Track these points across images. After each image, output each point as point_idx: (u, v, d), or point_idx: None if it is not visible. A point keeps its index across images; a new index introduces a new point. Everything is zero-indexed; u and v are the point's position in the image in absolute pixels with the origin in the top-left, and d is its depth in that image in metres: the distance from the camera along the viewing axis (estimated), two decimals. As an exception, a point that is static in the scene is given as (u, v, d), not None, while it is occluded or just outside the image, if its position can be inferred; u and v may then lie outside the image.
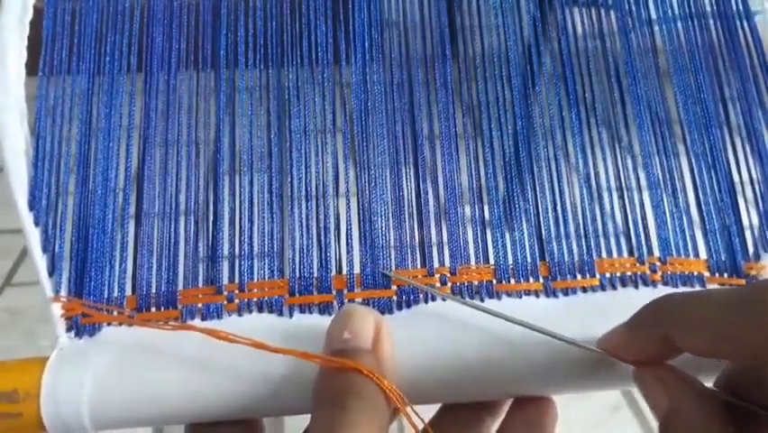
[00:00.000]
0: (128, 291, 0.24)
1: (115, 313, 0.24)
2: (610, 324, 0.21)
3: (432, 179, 0.26)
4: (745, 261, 0.27)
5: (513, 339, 0.22)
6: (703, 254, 0.27)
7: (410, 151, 0.26)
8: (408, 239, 0.25)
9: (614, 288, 0.26)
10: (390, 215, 0.26)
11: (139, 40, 0.26)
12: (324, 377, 0.20)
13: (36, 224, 0.24)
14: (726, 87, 0.28)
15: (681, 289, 0.26)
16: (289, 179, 0.26)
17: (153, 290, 0.24)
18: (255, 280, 0.25)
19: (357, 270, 0.25)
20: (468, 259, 0.25)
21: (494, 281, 0.25)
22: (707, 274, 0.27)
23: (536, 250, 0.26)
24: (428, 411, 0.22)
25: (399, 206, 0.26)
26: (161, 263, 0.25)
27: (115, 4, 0.27)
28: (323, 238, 0.25)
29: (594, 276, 0.26)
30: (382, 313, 0.24)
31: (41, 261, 0.24)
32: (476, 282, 0.25)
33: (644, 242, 0.27)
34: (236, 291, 0.25)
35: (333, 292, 0.25)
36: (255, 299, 0.24)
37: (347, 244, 0.25)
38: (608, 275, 0.26)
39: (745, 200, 0.27)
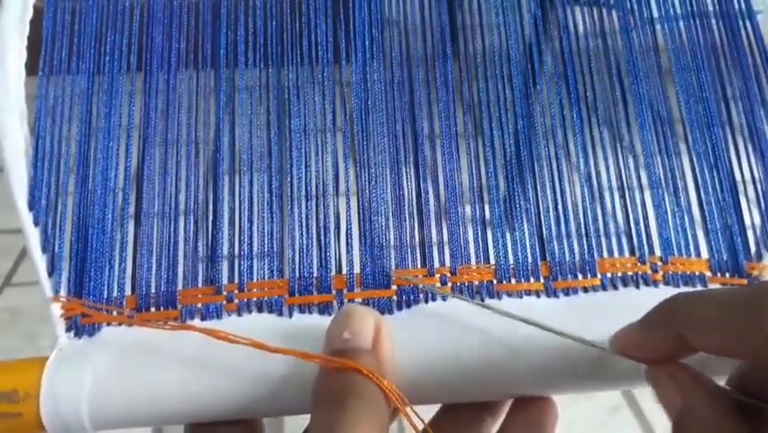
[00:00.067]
0: (127, 291, 0.24)
1: (115, 313, 0.24)
2: (611, 324, 0.21)
3: (432, 178, 0.26)
4: (747, 260, 0.27)
5: (513, 340, 0.22)
6: (705, 254, 0.27)
7: (410, 150, 0.26)
8: (409, 239, 0.25)
9: (615, 288, 0.26)
10: (390, 214, 0.25)
11: (139, 39, 0.26)
12: (323, 377, 0.20)
13: (36, 224, 0.24)
14: (729, 86, 0.28)
15: (683, 288, 0.26)
16: (289, 179, 0.26)
17: (153, 290, 0.24)
18: (255, 280, 0.25)
19: (357, 269, 0.25)
20: (468, 259, 0.25)
21: (494, 281, 0.25)
22: (708, 274, 0.26)
23: (537, 249, 0.26)
24: (428, 411, 0.22)
25: (399, 205, 0.26)
26: (161, 263, 0.25)
27: (115, 4, 0.27)
28: (322, 238, 0.25)
29: (595, 276, 0.26)
30: (382, 313, 0.24)
31: (40, 261, 0.24)
32: (476, 282, 0.25)
33: (645, 241, 0.27)
34: (236, 291, 0.24)
35: (333, 292, 0.25)
36: (255, 299, 0.24)
37: (347, 244, 0.25)
38: (609, 275, 0.26)
39: (747, 200, 0.27)
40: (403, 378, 0.21)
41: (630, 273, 0.26)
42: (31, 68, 0.25)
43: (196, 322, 0.24)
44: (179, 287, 0.24)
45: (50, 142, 0.25)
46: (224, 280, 0.25)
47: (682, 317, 0.19)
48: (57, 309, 0.23)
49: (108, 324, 0.24)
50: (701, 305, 0.18)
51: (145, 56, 0.26)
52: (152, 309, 0.24)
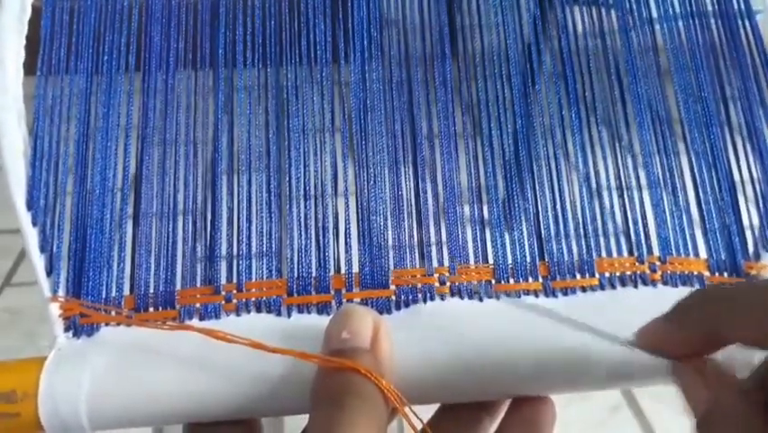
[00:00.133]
0: (126, 291, 0.24)
1: (113, 313, 0.24)
2: (610, 323, 0.21)
3: (431, 178, 0.26)
4: (746, 260, 0.27)
5: (512, 339, 0.22)
6: (703, 254, 0.27)
7: (409, 150, 0.26)
8: (407, 238, 0.25)
9: (613, 287, 0.26)
10: (389, 214, 0.25)
11: (137, 39, 0.26)
12: (322, 377, 0.20)
13: (34, 224, 0.24)
14: (727, 86, 0.28)
15: (681, 288, 0.26)
16: (288, 179, 0.26)
17: (151, 290, 0.24)
18: (253, 279, 0.25)
19: (355, 269, 0.25)
20: (467, 258, 0.25)
21: (493, 281, 0.25)
22: (707, 274, 0.26)
23: (536, 249, 0.26)
24: (427, 411, 0.22)
25: (398, 205, 0.26)
26: (159, 263, 0.25)
27: (114, 4, 0.27)
28: (321, 238, 0.25)
29: (593, 275, 0.26)
30: (381, 313, 0.24)
31: (38, 261, 0.24)
32: (475, 282, 0.25)
33: (643, 241, 0.27)
34: (234, 291, 0.24)
35: (332, 292, 0.25)
36: (253, 299, 0.24)
37: (346, 244, 0.25)
38: (607, 275, 0.26)
39: (746, 199, 0.27)
40: (401, 378, 0.21)
41: (628, 273, 0.26)
42: (29, 67, 0.25)
43: (195, 322, 0.24)
44: (178, 287, 0.24)
45: (49, 142, 0.25)
46: (223, 280, 0.25)
47: (717, 308, 0.18)
48: (55, 309, 0.23)
49: (107, 324, 0.24)
50: (739, 295, 0.18)
51: (144, 56, 0.26)
52: (151, 309, 0.24)
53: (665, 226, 0.27)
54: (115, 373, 0.22)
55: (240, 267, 0.25)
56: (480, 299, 0.25)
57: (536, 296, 0.25)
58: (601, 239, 0.26)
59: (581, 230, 0.26)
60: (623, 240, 0.27)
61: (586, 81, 0.28)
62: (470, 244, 0.26)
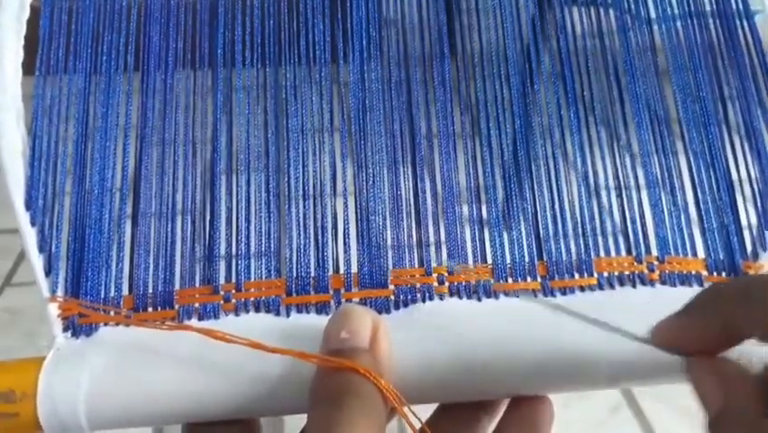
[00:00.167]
0: (125, 291, 0.24)
1: (112, 313, 0.24)
2: (608, 323, 0.21)
3: (430, 177, 0.26)
4: (744, 260, 0.27)
5: (510, 339, 0.22)
6: (701, 253, 0.27)
7: (408, 149, 0.26)
8: (406, 238, 0.25)
9: (612, 287, 0.26)
10: (388, 214, 0.25)
11: (136, 39, 0.26)
12: (321, 377, 0.20)
13: (33, 224, 0.24)
14: (726, 86, 0.28)
15: (680, 288, 0.26)
16: (287, 179, 0.26)
17: (150, 290, 0.24)
18: (252, 279, 0.25)
19: (354, 269, 0.25)
20: (466, 258, 0.25)
21: (492, 281, 0.25)
22: (705, 273, 0.27)
23: (534, 249, 0.26)
24: (426, 411, 0.22)
25: (397, 205, 0.26)
26: (158, 263, 0.25)
27: (112, 3, 0.27)
28: (320, 237, 0.25)
29: (592, 275, 0.26)
30: (379, 313, 0.24)
31: (37, 261, 0.24)
32: (473, 282, 0.25)
33: (642, 241, 0.27)
34: (233, 291, 0.24)
35: (331, 292, 0.25)
36: (252, 299, 0.24)
37: (344, 244, 0.25)
38: (605, 274, 0.26)
39: (744, 199, 0.27)
40: (400, 377, 0.21)
41: (627, 273, 0.26)
42: (27, 67, 0.25)
43: (194, 322, 0.24)
44: (177, 287, 0.24)
45: (47, 142, 0.25)
46: (222, 280, 0.25)
47: (732, 302, 0.18)
48: (54, 309, 0.23)
49: (105, 324, 0.24)
50: (754, 288, 0.18)
51: (142, 56, 0.26)
52: (150, 309, 0.24)
53: (663, 226, 0.27)
54: (114, 372, 0.22)
55: (239, 267, 0.25)
56: (479, 299, 0.25)
57: (535, 295, 0.25)
58: (600, 239, 0.26)
59: (580, 230, 0.26)
60: (621, 239, 0.27)
61: (584, 81, 0.28)
62: (468, 244, 0.26)
